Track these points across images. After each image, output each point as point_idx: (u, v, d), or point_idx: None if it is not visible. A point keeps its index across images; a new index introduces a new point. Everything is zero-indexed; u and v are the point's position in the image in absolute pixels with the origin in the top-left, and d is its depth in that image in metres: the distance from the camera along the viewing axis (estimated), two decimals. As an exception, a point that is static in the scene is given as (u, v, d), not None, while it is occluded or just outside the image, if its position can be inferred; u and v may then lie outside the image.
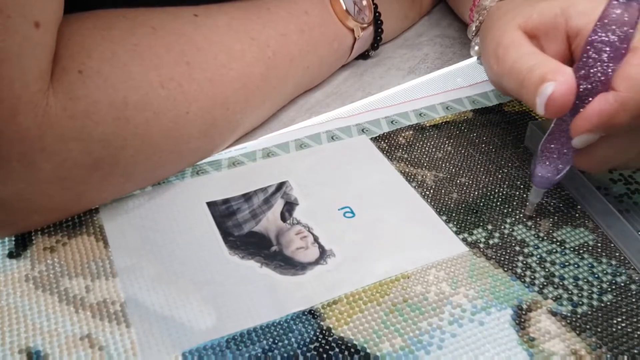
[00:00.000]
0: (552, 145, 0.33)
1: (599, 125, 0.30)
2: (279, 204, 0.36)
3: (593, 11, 0.32)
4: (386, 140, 0.42)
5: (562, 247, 0.34)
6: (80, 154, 0.31)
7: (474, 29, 0.44)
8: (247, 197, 0.37)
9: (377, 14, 0.49)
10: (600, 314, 0.31)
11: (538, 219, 0.36)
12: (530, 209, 0.36)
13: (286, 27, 0.41)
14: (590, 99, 0.31)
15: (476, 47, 0.44)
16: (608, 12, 0.30)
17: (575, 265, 0.33)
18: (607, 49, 0.30)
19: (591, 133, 0.31)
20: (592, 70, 0.31)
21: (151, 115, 0.33)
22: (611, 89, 0.30)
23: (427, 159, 0.40)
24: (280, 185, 0.38)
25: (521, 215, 0.36)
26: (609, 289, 0.32)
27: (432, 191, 0.38)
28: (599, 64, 0.31)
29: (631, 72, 0.30)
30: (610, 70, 0.30)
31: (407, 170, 0.39)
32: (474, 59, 0.52)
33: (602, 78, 0.31)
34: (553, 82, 0.31)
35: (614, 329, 0.30)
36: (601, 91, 0.31)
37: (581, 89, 0.31)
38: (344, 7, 0.45)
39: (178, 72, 0.34)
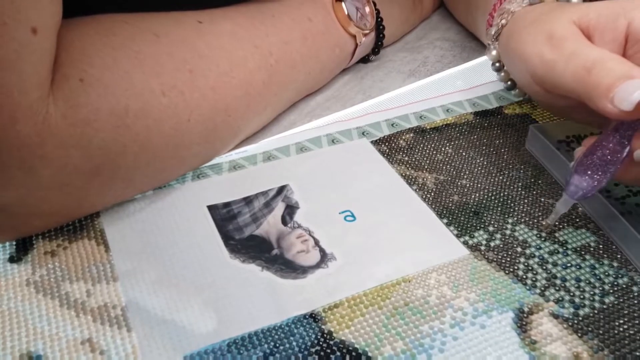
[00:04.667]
0: (598, 156, 0.31)
1: None
2: (279, 208, 0.36)
3: None
4: (387, 143, 0.42)
5: (564, 249, 0.34)
6: (81, 160, 0.31)
7: (493, 32, 0.43)
8: (247, 200, 0.37)
9: (379, 19, 0.49)
10: (602, 316, 0.31)
11: (539, 220, 0.36)
12: (553, 219, 0.34)
13: (289, 35, 0.41)
14: None
15: (494, 52, 0.43)
16: None
17: (577, 267, 0.33)
18: None
19: None
20: None
21: (152, 122, 0.33)
22: None
23: (427, 161, 0.40)
24: (281, 189, 0.38)
25: (523, 215, 0.36)
26: (611, 291, 0.32)
27: (432, 194, 0.38)
28: None
29: None
30: None
31: (407, 173, 0.39)
32: (474, 62, 0.52)
33: None
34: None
35: (616, 331, 0.30)
36: None
37: None
38: (347, 13, 0.45)
39: (180, 79, 0.34)
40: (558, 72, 0.33)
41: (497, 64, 0.45)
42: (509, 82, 0.45)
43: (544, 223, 0.35)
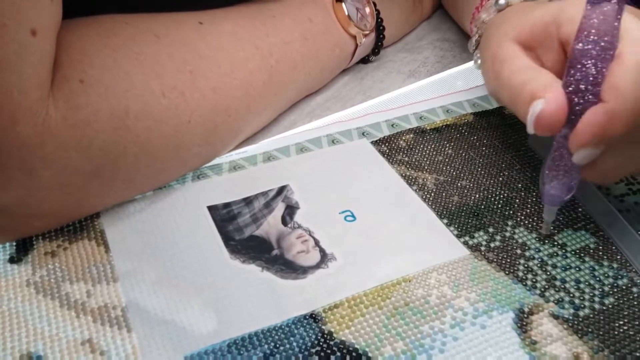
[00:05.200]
0: (557, 163, 0.32)
1: (594, 139, 0.29)
2: (279, 208, 0.36)
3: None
4: (387, 144, 0.42)
5: (563, 251, 0.34)
6: (81, 161, 0.31)
7: (474, 42, 0.44)
8: (247, 201, 0.37)
9: (379, 19, 0.49)
10: (602, 317, 0.31)
11: (539, 223, 0.36)
12: (546, 228, 0.35)
13: (290, 35, 0.42)
14: (584, 112, 0.30)
15: (479, 61, 0.44)
16: (585, 22, 0.30)
17: (577, 268, 0.33)
18: (591, 60, 0.29)
19: (590, 148, 0.30)
20: (581, 84, 0.30)
21: (152, 123, 0.33)
22: (600, 100, 0.29)
23: (427, 162, 0.40)
24: (281, 189, 0.38)
25: (522, 218, 0.36)
26: (611, 292, 0.32)
27: (432, 194, 0.38)
28: (586, 76, 0.30)
29: (617, 82, 0.29)
30: (599, 80, 0.29)
31: (407, 173, 0.39)
32: (474, 62, 0.52)
33: (592, 89, 0.30)
34: (542, 99, 0.30)
35: (616, 332, 0.30)
36: (594, 103, 0.29)
37: (574, 103, 0.30)
38: (347, 14, 0.45)
39: (181, 80, 0.34)
40: (502, 99, 0.35)
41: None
42: None
43: (542, 233, 0.35)
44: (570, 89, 0.30)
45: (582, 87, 0.30)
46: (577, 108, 0.30)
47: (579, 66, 0.30)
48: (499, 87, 0.35)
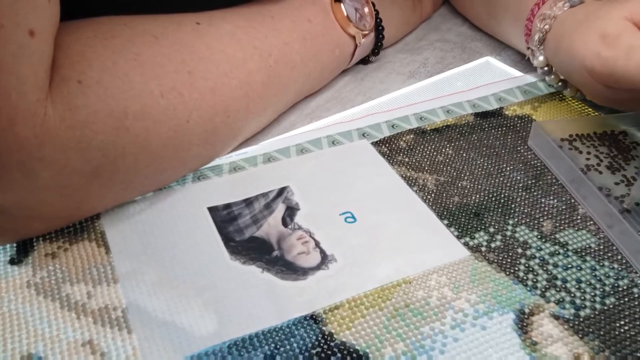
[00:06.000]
0: None
1: None
2: (280, 209, 0.36)
3: None
4: (387, 145, 0.42)
5: (565, 250, 0.34)
6: (80, 162, 0.31)
7: (536, 38, 0.44)
8: (248, 202, 0.37)
9: (378, 19, 0.49)
10: (602, 317, 0.30)
11: (540, 221, 0.36)
12: (629, 203, 0.34)
13: (289, 36, 0.41)
14: None
15: (541, 57, 0.44)
16: None
17: (578, 268, 0.33)
18: None
19: None
20: None
21: (151, 124, 0.33)
22: None
23: (428, 162, 0.40)
24: (282, 190, 0.38)
25: (523, 216, 0.36)
26: (612, 292, 0.32)
27: (433, 195, 0.38)
28: None
29: None
30: None
31: (408, 174, 0.39)
32: (475, 63, 0.52)
33: None
34: None
35: (617, 332, 0.30)
36: None
37: None
38: (346, 14, 0.45)
39: (179, 81, 0.34)
40: (619, 68, 0.34)
41: (546, 68, 0.46)
42: (559, 83, 0.46)
43: (624, 205, 0.34)
44: None
45: None
46: None
47: None
48: (618, 55, 0.34)
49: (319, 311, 0.30)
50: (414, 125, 0.44)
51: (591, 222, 0.36)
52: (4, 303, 0.30)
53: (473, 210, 0.37)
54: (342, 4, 0.45)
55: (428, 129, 0.44)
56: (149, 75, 0.33)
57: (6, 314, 0.30)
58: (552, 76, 0.46)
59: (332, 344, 0.29)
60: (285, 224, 0.35)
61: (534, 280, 0.32)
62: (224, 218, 0.36)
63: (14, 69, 0.27)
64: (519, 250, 0.34)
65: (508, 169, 0.40)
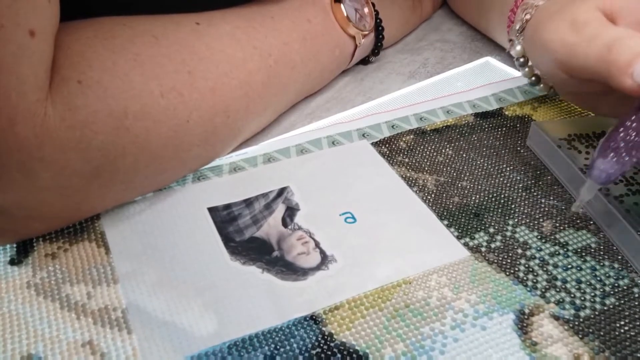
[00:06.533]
0: (620, 137, 0.30)
1: None
2: (280, 210, 0.36)
3: None
4: (387, 145, 0.42)
5: (565, 250, 0.34)
6: (80, 162, 0.31)
7: (517, 27, 0.43)
8: (248, 202, 0.37)
9: (378, 20, 0.49)
10: (603, 318, 0.30)
11: (540, 222, 0.36)
12: (578, 206, 0.33)
13: (289, 36, 0.42)
14: None
15: (518, 47, 0.44)
16: None
17: (578, 269, 0.33)
18: None
19: None
20: None
21: (151, 124, 0.33)
22: None
23: (428, 163, 0.40)
24: (282, 191, 0.38)
25: (523, 217, 0.36)
26: (612, 293, 0.32)
27: (433, 195, 0.38)
28: None
29: None
30: None
31: (408, 174, 0.39)
32: (475, 63, 0.52)
33: None
34: None
35: (617, 333, 0.30)
36: None
37: None
38: (346, 14, 0.45)
39: (179, 81, 0.34)
40: (580, 54, 0.34)
41: (522, 59, 0.45)
42: (533, 78, 0.46)
43: (571, 210, 0.34)
44: None
45: None
46: None
47: None
48: (582, 41, 0.33)
49: (319, 311, 0.30)
50: (414, 126, 0.44)
51: (591, 222, 0.36)
52: (4, 303, 0.30)
53: (473, 211, 0.37)
54: (342, 5, 0.45)
55: (428, 129, 0.44)
56: (149, 75, 0.33)
57: (6, 315, 0.30)
58: (527, 69, 0.45)
59: (332, 344, 0.29)
60: (285, 224, 0.35)
61: (534, 280, 0.32)
62: (224, 218, 0.36)
63: (14, 69, 0.27)
64: (519, 251, 0.34)
65: (508, 169, 0.40)
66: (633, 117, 0.30)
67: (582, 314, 0.31)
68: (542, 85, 0.46)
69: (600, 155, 0.31)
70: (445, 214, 0.36)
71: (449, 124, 0.44)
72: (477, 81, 0.49)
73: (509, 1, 0.46)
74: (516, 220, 0.36)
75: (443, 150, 0.42)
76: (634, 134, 0.30)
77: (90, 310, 0.30)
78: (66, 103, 0.30)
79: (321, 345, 0.29)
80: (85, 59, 0.31)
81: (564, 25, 0.36)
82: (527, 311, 0.31)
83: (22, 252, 0.33)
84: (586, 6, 0.35)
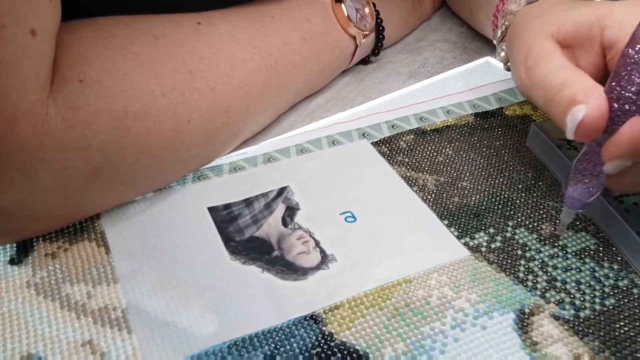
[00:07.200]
0: (584, 166, 0.31)
1: (631, 151, 0.28)
2: (280, 209, 0.36)
3: (631, 22, 0.30)
4: (387, 145, 0.42)
5: (564, 252, 0.34)
6: (80, 162, 0.31)
7: (499, 34, 0.43)
8: (248, 202, 0.37)
9: (379, 20, 0.49)
10: (602, 318, 0.31)
11: (540, 224, 0.36)
12: (561, 229, 0.34)
13: (289, 36, 0.42)
14: (623, 120, 0.29)
15: (502, 53, 0.44)
16: (639, 32, 0.29)
17: (577, 269, 0.33)
18: None
19: (623, 159, 0.29)
20: (624, 92, 0.29)
21: (151, 124, 0.33)
22: None
23: (428, 163, 0.40)
24: (282, 190, 0.38)
25: (523, 218, 0.36)
26: (611, 293, 0.32)
27: (433, 195, 0.38)
28: (631, 85, 0.29)
29: None
30: None
31: (408, 174, 0.39)
32: (475, 63, 0.52)
33: (636, 99, 0.29)
34: (584, 105, 0.29)
35: (617, 333, 0.30)
36: (635, 113, 0.29)
37: (614, 110, 0.29)
38: (346, 14, 0.45)
39: (180, 81, 0.34)
40: (533, 97, 0.34)
41: (508, 64, 0.45)
42: None
43: (556, 232, 0.35)
44: (612, 94, 0.29)
45: (627, 95, 0.29)
46: (617, 115, 0.29)
47: (625, 73, 0.29)
48: (532, 85, 0.33)
49: (319, 311, 0.30)
50: (414, 126, 0.44)
51: (590, 223, 0.36)
52: (4, 303, 0.30)
53: (473, 211, 0.37)
54: (342, 4, 0.45)
55: (428, 129, 0.44)
56: (149, 74, 0.33)
57: (6, 314, 0.30)
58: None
59: (332, 344, 0.29)
60: (285, 223, 0.35)
61: (534, 281, 0.32)
62: (224, 218, 0.36)
63: (15, 68, 0.27)
64: (519, 252, 0.34)
65: (508, 169, 0.40)
66: (587, 150, 0.31)
67: (582, 314, 0.31)
68: None
69: (571, 184, 0.32)
70: (445, 213, 0.36)
71: (449, 124, 0.44)
72: (477, 81, 0.49)
73: (492, 5, 0.46)
74: (516, 221, 0.36)
75: (443, 150, 0.42)
76: (592, 163, 0.31)
77: (90, 310, 0.30)
78: (67, 103, 0.30)
79: (321, 344, 0.29)
80: (86, 58, 0.31)
81: (522, 54, 0.35)
82: (527, 311, 0.31)
83: (22, 252, 0.33)
84: (543, 34, 0.34)
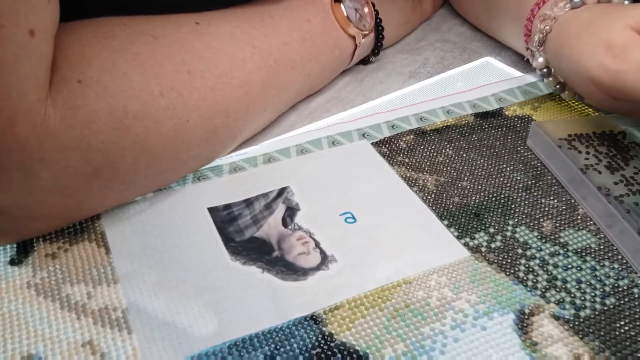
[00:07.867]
0: None
1: None
2: (280, 210, 0.36)
3: None
4: (387, 145, 0.42)
5: (565, 250, 0.34)
6: (80, 162, 0.31)
7: (536, 39, 0.43)
8: (248, 202, 0.37)
9: (378, 20, 0.49)
10: (603, 318, 0.31)
11: (540, 222, 0.36)
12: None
13: (288, 36, 0.42)
14: None
15: (540, 59, 0.44)
16: None
17: (578, 269, 0.33)
18: None
19: None
20: None
21: (151, 124, 0.33)
22: None
23: (428, 163, 0.40)
24: (282, 191, 0.38)
25: (523, 217, 0.36)
26: (612, 293, 0.32)
27: (433, 195, 0.38)
28: None
29: None
30: None
31: (408, 174, 0.39)
32: (475, 63, 0.52)
33: None
34: None
35: (617, 333, 0.30)
36: None
37: None
38: (346, 14, 0.45)
39: (179, 81, 0.34)
40: (629, 82, 0.34)
41: (545, 70, 0.45)
42: (557, 86, 0.46)
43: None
44: None
45: None
46: None
47: None
48: (627, 68, 0.34)
49: (319, 311, 0.30)
50: (414, 126, 0.44)
51: (591, 222, 0.36)
52: (4, 304, 0.30)
53: (473, 211, 0.37)
54: (342, 4, 0.45)
55: (428, 129, 0.44)
56: (148, 74, 0.33)
57: (6, 315, 0.30)
58: (551, 78, 0.46)
59: (332, 344, 0.29)
60: (285, 224, 0.35)
61: (534, 280, 0.32)
62: (224, 218, 0.36)
63: (14, 69, 0.27)
64: (519, 251, 0.34)
65: (508, 169, 0.40)
66: None
67: (582, 314, 0.31)
68: (567, 92, 0.46)
69: None
70: (445, 214, 0.36)
71: (449, 124, 0.44)
72: (477, 81, 0.49)
73: (525, 8, 0.46)
74: (516, 220, 0.36)
75: (443, 150, 0.42)
76: None
77: (91, 310, 0.30)
78: (66, 103, 0.30)
79: (321, 345, 0.29)
80: (85, 58, 0.31)
81: (599, 49, 0.36)
82: (527, 311, 0.31)
83: (22, 252, 0.33)
84: (619, 26, 0.35)
